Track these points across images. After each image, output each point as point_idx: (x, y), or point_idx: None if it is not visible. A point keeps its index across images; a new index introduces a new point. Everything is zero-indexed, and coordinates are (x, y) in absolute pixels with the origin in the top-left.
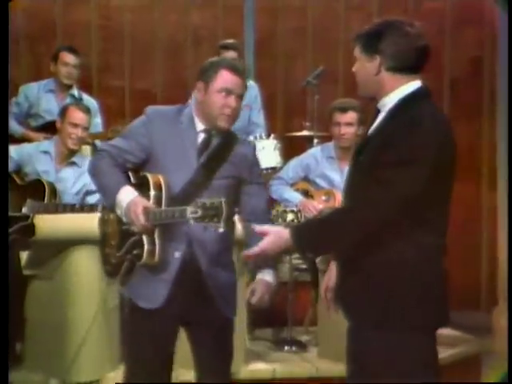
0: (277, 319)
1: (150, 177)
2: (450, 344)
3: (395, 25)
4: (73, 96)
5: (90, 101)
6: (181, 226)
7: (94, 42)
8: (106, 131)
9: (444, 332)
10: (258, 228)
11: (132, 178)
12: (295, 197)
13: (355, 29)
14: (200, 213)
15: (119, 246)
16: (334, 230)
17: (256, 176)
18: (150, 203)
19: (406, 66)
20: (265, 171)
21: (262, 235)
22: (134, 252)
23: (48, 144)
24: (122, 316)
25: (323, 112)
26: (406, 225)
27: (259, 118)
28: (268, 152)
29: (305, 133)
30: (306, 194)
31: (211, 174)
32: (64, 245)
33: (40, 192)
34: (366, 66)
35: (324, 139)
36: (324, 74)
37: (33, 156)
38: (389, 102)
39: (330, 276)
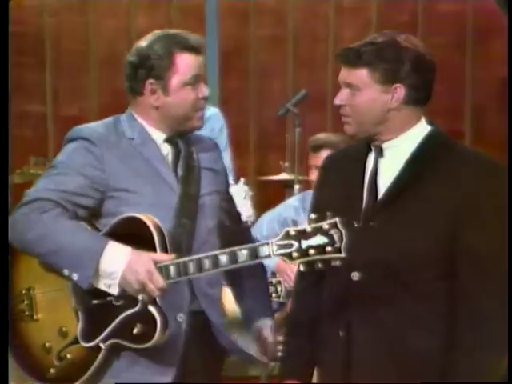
0: None
1: (141, 217)
2: None
3: (407, 43)
4: None
5: None
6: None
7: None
8: None
9: None
10: None
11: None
12: (270, 259)
13: (349, 39)
14: (296, 246)
15: (87, 333)
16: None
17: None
18: (160, 254)
19: (427, 97)
20: None
21: None
22: (135, 332)
23: None
24: None
25: (307, 149)
26: None
27: (225, 157)
28: (236, 202)
29: (283, 176)
30: None
31: (196, 193)
32: None
33: None
34: (380, 99)
35: (308, 184)
36: (308, 99)
37: None
38: (400, 143)
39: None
